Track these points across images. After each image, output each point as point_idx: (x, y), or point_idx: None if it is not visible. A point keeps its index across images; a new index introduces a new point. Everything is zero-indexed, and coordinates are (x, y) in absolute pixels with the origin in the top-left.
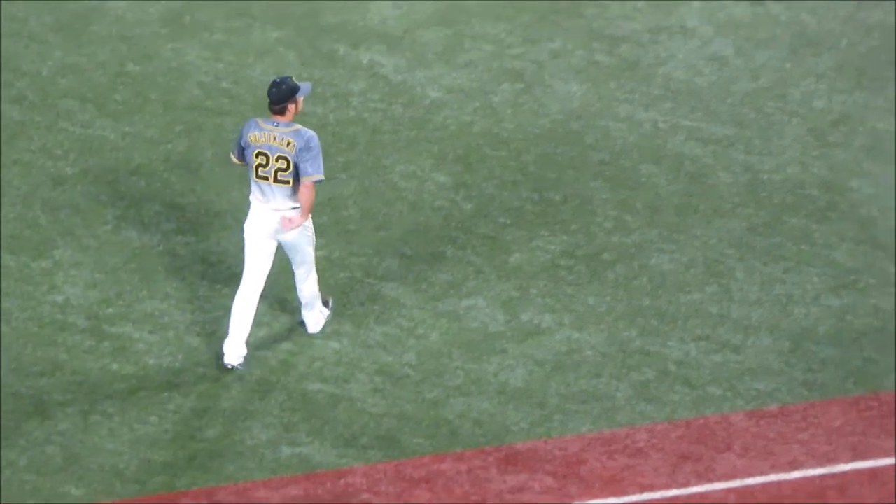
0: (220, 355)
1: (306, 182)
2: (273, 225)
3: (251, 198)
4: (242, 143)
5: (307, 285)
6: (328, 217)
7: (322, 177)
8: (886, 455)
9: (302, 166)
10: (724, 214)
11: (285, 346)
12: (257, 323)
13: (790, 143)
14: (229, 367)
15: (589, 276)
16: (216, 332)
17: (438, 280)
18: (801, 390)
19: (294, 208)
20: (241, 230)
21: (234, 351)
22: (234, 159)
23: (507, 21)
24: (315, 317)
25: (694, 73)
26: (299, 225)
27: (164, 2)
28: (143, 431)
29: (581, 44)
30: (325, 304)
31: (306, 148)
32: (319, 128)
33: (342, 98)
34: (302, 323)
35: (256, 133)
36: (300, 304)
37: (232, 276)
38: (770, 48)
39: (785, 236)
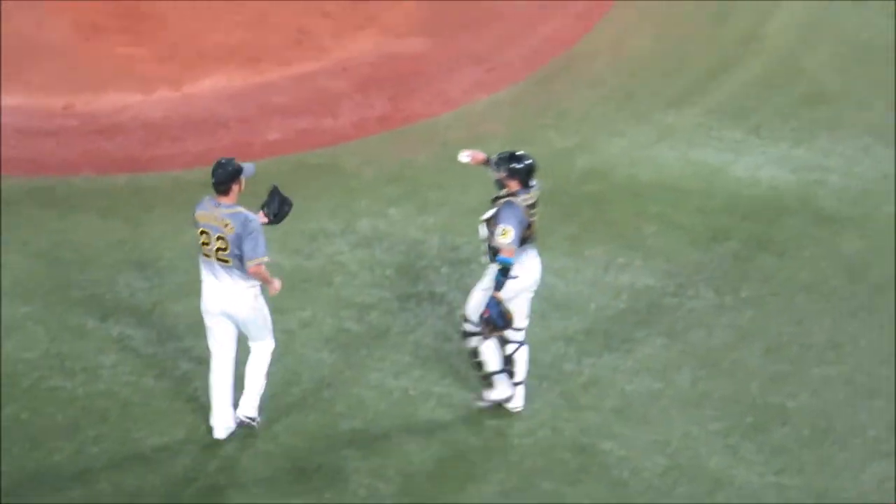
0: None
1: (250, 266)
2: (221, 301)
3: (202, 276)
4: (193, 221)
5: (253, 366)
6: (79, 491)
7: (266, 258)
8: None
9: (244, 251)
10: (476, 480)
11: None
12: None
13: (541, 407)
14: (220, 438)
15: None
16: None
17: None
18: None
19: (248, 287)
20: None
21: (221, 423)
22: None
23: None
24: (245, 408)
25: (443, 339)
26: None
27: None
28: None
29: (330, 312)
30: (255, 417)
31: (245, 232)
32: (69, 402)
33: (92, 371)
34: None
35: (202, 212)
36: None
37: None
38: None
39: (537, 501)
